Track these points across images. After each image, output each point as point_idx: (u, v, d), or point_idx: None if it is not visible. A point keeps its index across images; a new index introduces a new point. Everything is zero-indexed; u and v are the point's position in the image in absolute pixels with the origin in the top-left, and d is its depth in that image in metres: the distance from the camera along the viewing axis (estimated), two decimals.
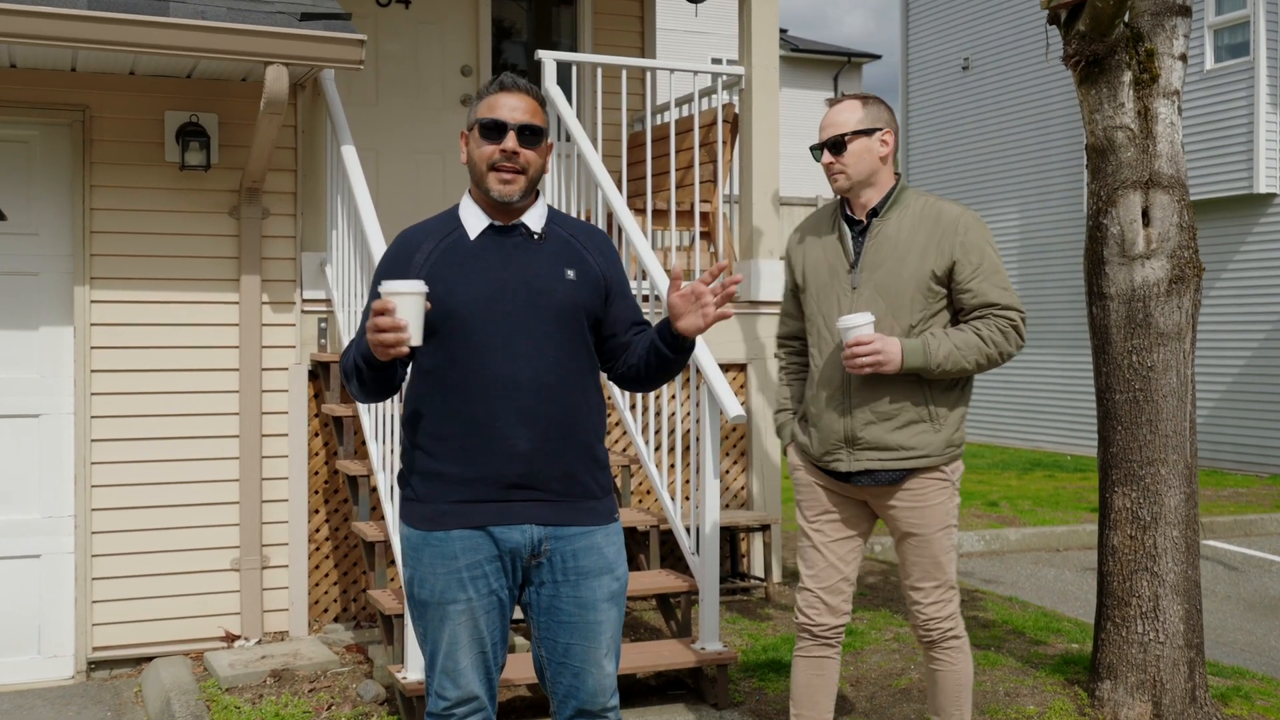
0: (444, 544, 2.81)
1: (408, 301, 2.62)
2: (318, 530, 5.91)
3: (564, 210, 5.52)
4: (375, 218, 5.13)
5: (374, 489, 5.37)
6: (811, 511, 3.74)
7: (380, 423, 5.14)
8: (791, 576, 6.89)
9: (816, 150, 3.62)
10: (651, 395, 5.72)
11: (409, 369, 2.94)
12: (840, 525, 3.70)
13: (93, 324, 5.51)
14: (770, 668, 5.19)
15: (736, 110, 6.75)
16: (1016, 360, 16.00)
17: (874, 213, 3.61)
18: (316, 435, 5.90)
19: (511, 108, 2.84)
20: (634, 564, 5.46)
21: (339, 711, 4.68)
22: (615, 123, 7.48)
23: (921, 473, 3.58)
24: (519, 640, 5.18)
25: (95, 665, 5.54)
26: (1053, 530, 9.26)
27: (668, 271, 6.35)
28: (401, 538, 2.93)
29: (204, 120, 5.61)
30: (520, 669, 4.48)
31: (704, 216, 6.83)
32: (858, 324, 3.43)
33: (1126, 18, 4.58)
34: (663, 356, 2.88)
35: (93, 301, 5.51)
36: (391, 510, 4.94)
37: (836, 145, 3.58)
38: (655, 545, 5.62)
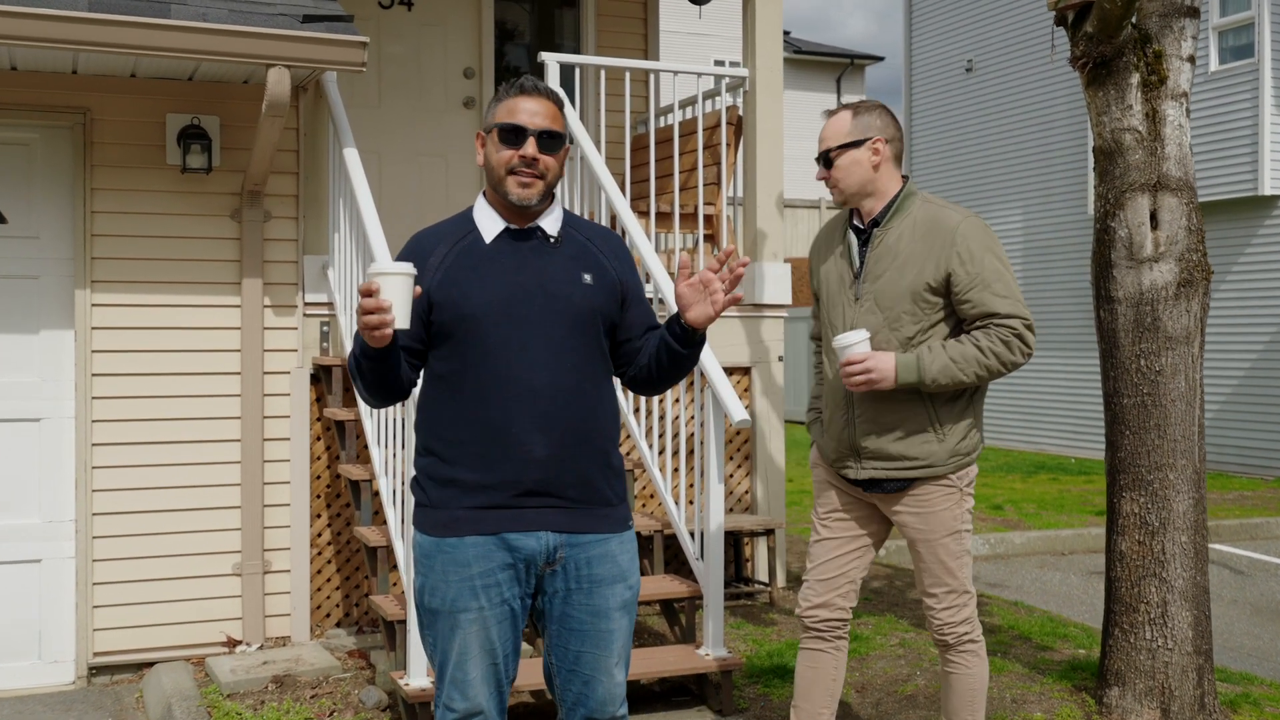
0: (457, 550, 2.77)
1: (392, 282, 2.58)
2: (320, 535, 5.88)
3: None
4: (377, 220, 5.10)
5: (376, 493, 5.34)
6: (823, 509, 3.79)
7: (383, 427, 5.11)
8: (796, 581, 6.86)
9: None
10: (655, 399, 5.69)
11: (420, 374, 2.90)
12: (849, 525, 3.74)
13: (93, 327, 5.48)
14: (775, 673, 5.15)
15: (740, 112, 6.72)
16: None
17: (875, 222, 3.60)
18: (319, 439, 5.87)
19: (531, 112, 2.80)
20: None
21: (341, 718, 4.65)
22: (619, 125, 7.45)
23: (928, 480, 3.58)
24: (524, 646, 5.15)
25: (96, 670, 5.51)
26: (1058, 534, 9.22)
27: (671, 275, 6.32)
28: (414, 545, 2.89)
29: (205, 123, 5.59)
30: (525, 675, 4.45)
31: (708, 219, 6.79)
32: (850, 343, 3.47)
33: (1134, 19, 4.55)
34: (673, 352, 2.84)
35: (93, 305, 5.48)
36: (394, 515, 4.91)
37: (827, 160, 3.61)
38: (659, 550, 5.59)
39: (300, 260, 5.81)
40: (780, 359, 6.64)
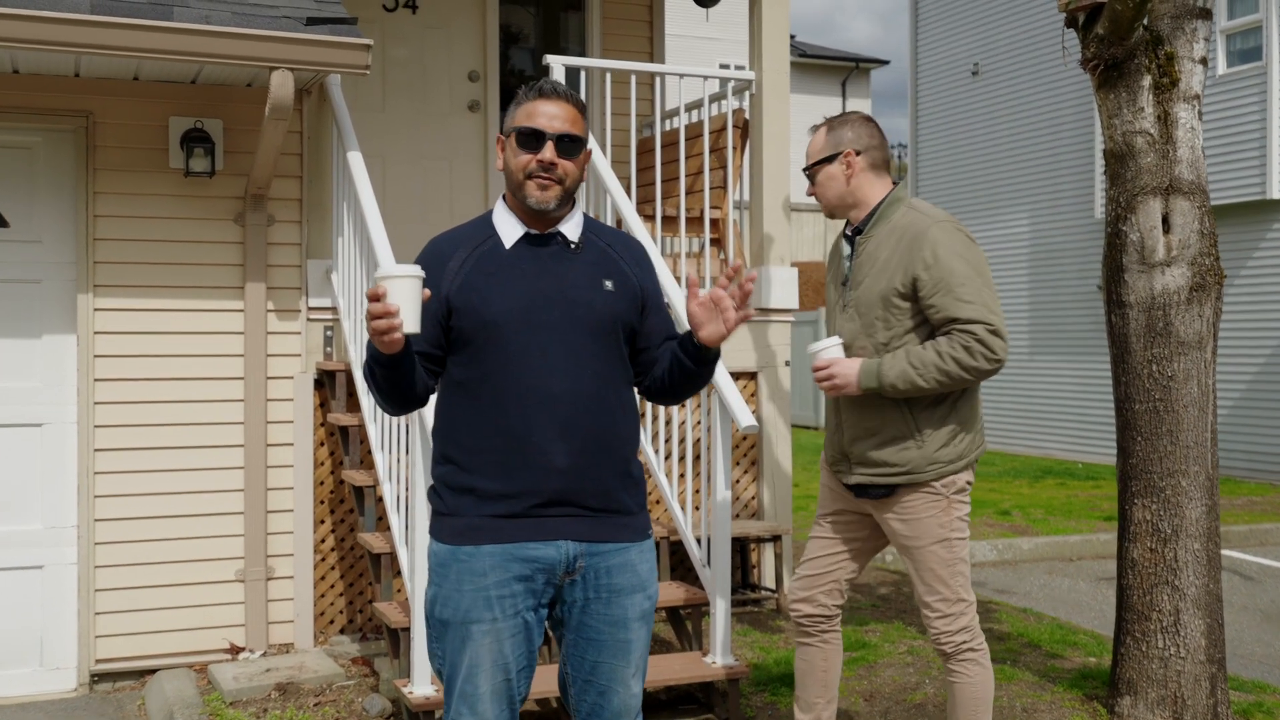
0: (472, 559, 2.72)
1: (400, 285, 2.52)
2: (323, 541, 5.84)
3: None
4: (382, 224, 5.07)
5: (380, 499, 5.30)
6: (822, 509, 3.89)
7: (386, 432, 5.07)
8: None
9: None
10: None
11: (438, 380, 2.85)
12: (843, 527, 3.81)
13: (96, 332, 5.44)
14: (782, 681, 5.10)
15: (746, 115, 6.67)
16: (1026, 367, 15.91)
17: (858, 230, 3.68)
18: (322, 445, 5.83)
19: (550, 116, 2.76)
20: None
21: None
22: (624, 128, 7.41)
23: (912, 487, 3.59)
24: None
25: (98, 678, 5.47)
26: (1066, 540, 9.16)
27: (677, 278, 6.27)
28: (429, 554, 2.84)
29: (209, 126, 5.55)
30: (534, 683, 4.40)
31: (714, 223, 6.75)
32: (818, 349, 3.61)
33: (1146, 20, 4.50)
34: (685, 369, 2.82)
35: (96, 309, 5.45)
36: (397, 521, 4.87)
37: (809, 176, 3.74)
38: (665, 557, 5.54)
39: (304, 264, 5.78)
40: (787, 363, 6.59)
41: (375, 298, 2.50)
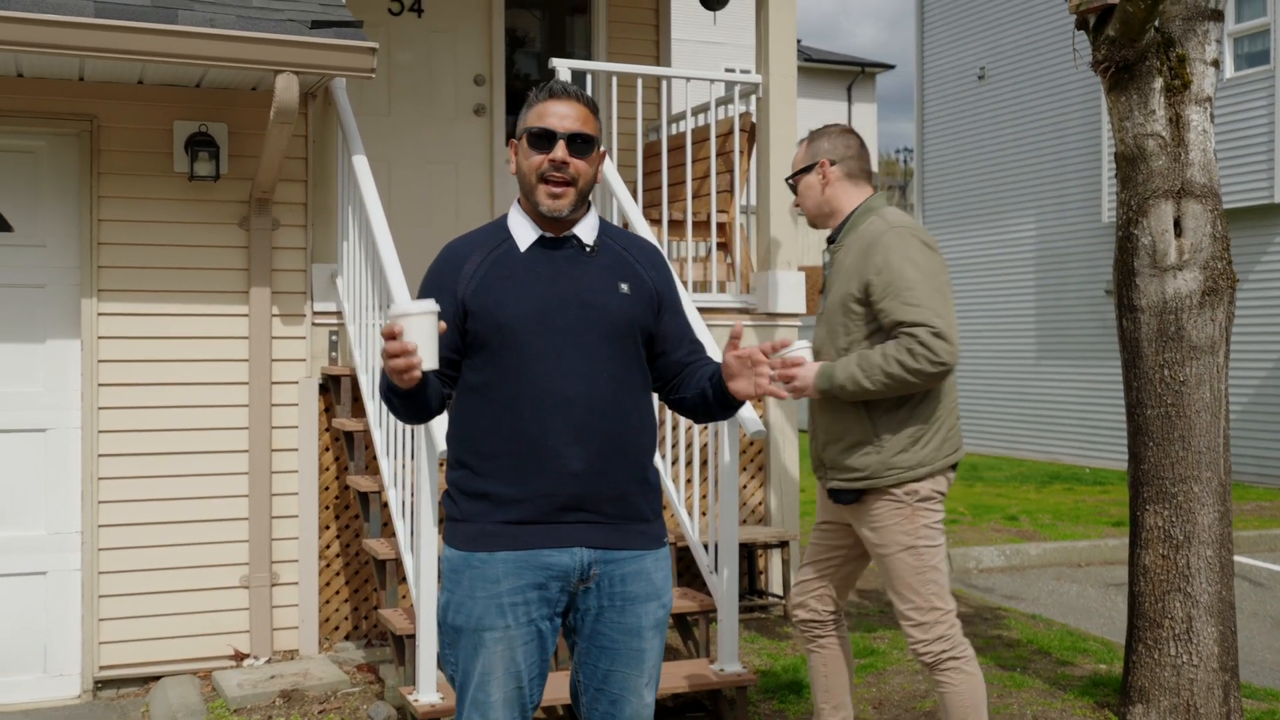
0: (486, 566, 2.69)
1: (416, 323, 2.48)
2: (328, 547, 5.80)
3: None
4: (387, 228, 5.04)
5: (385, 505, 5.27)
6: (818, 516, 3.97)
7: (392, 438, 5.04)
8: None
9: None
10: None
11: (454, 386, 2.82)
12: (829, 534, 3.89)
13: (100, 337, 5.42)
14: (790, 689, 5.06)
15: (754, 119, 6.64)
16: (1033, 371, 15.86)
17: (832, 239, 3.79)
18: (327, 450, 5.80)
19: (561, 115, 2.73)
20: None
21: None
22: (630, 132, 7.38)
23: (876, 493, 3.63)
24: None
25: (102, 684, 5.44)
26: (1074, 545, 9.11)
27: (684, 282, 6.24)
28: (443, 560, 2.80)
29: (213, 130, 5.53)
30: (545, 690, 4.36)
31: (721, 227, 6.72)
32: (787, 351, 3.64)
33: (1157, 22, 4.47)
34: (709, 405, 2.82)
35: (100, 314, 5.42)
36: (403, 527, 4.84)
37: (791, 187, 3.87)
38: (672, 563, 5.50)
39: (309, 269, 5.75)
40: None
41: (391, 336, 2.47)
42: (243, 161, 5.61)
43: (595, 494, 2.69)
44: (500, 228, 2.83)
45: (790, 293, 6.50)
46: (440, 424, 4.18)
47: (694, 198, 6.77)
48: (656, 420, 2.91)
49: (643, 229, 5.48)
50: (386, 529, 5.46)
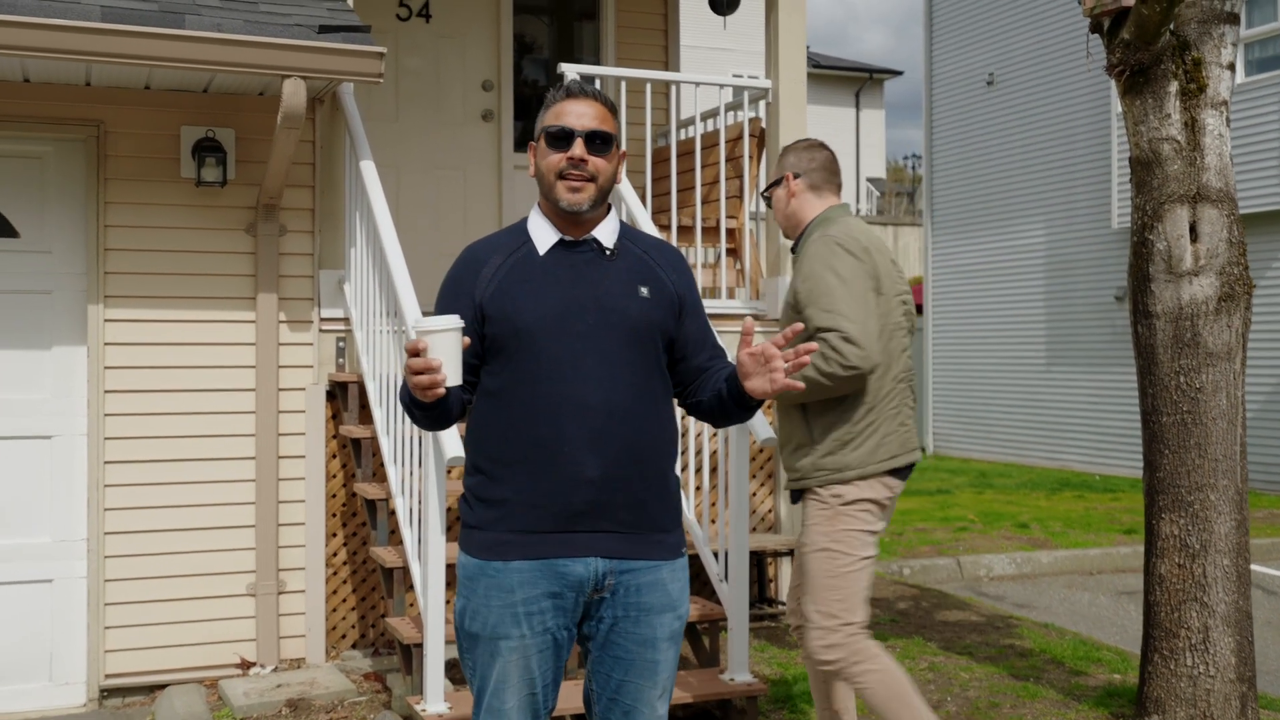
0: (501, 575, 2.65)
1: (441, 340, 2.46)
2: (335, 554, 5.77)
3: None
4: (395, 234, 5.01)
5: (392, 513, 5.23)
6: None
7: (399, 445, 5.00)
8: None
9: None
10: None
11: (474, 392, 2.79)
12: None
13: (106, 343, 5.39)
14: (801, 698, 5.02)
15: (763, 124, 6.61)
16: (1042, 378, 15.79)
17: (794, 249, 3.93)
18: (334, 457, 5.76)
19: (579, 114, 2.70)
20: None
21: None
22: (639, 138, 7.35)
23: (809, 494, 3.75)
24: None
25: (107, 693, 5.41)
26: (1085, 553, 9.05)
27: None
28: (458, 566, 2.78)
29: (220, 135, 5.50)
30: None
31: (730, 233, 6.68)
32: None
33: (1172, 25, 4.42)
34: (726, 407, 2.77)
35: (106, 320, 5.39)
36: (410, 535, 4.80)
37: (766, 201, 4.06)
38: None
39: (316, 275, 5.72)
40: None
41: (415, 352, 2.45)
42: (250, 167, 5.59)
43: (612, 503, 2.65)
44: (520, 231, 2.80)
45: None
46: (449, 432, 4.14)
47: (703, 203, 6.73)
48: (678, 427, 2.87)
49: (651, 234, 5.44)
50: (394, 537, 5.42)
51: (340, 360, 5.77)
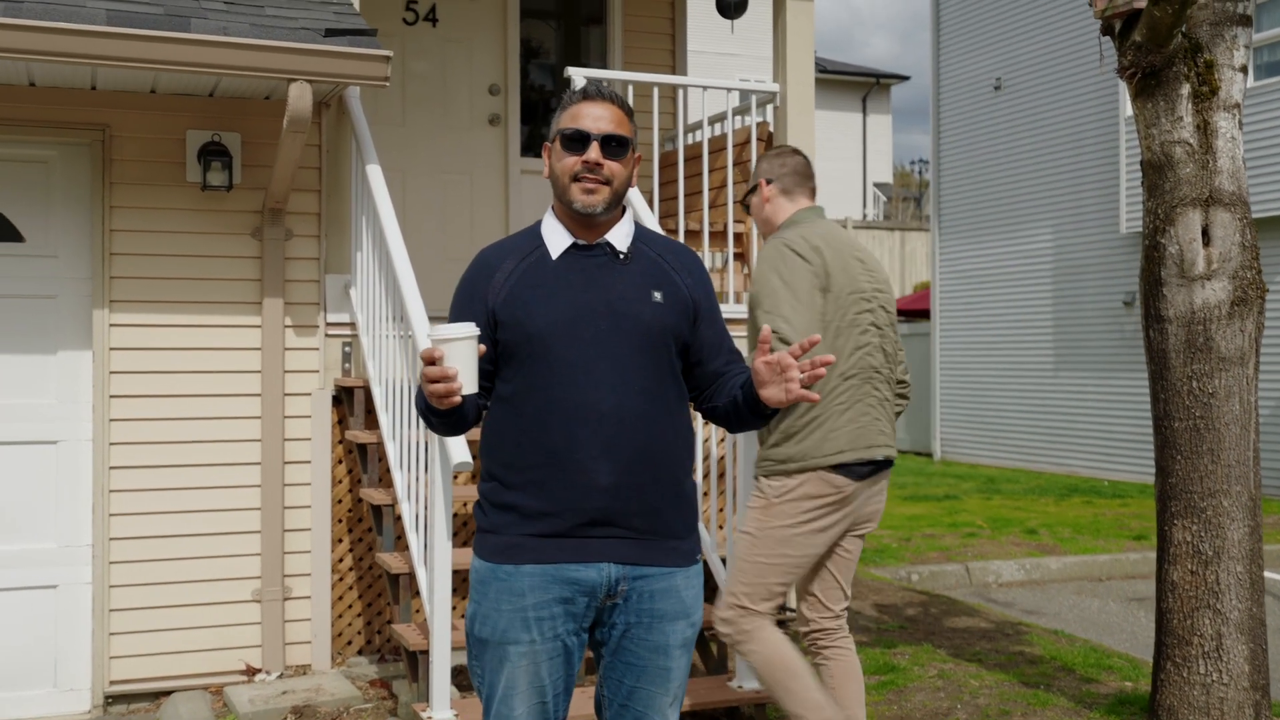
0: (511, 579, 2.63)
1: (457, 348, 2.44)
2: (341, 560, 5.74)
3: None
4: (401, 239, 4.99)
5: (398, 518, 5.20)
6: None
7: (405, 450, 4.97)
8: None
9: None
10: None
11: (489, 397, 2.77)
12: None
13: (112, 348, 5.37)
14: None
15: (771, 128, 6.58)
16: (1050, 383, 15.74)
17: None
18: (340, 462, 5.74)
19: (595, 117, 2.67)
20: None
21: None
22: (646, 142, 7.32)
23: (755, 480, 3.91)
24: None
25: (112, 699, 5.38)
26: (1095, 559, 9.00)
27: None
28: (471, 570, 2.76)
29: (226, 139, 5.49)
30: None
31: (738, 237, 6.66)
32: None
33: (1184, 27, 4.39)
34: (741, 413, 2.74)
35: (112, 325, 5.37)
36: (416, 540, 4.78)
37: (745, 207, 4.22)
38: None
39: (322, 279, 5.70)
40: None
41: (431, 360, 2.43)
42: (256, 171, 5.57)
43: (625, 509, 2.62)
44: (534, 235, 2.78)
45: None
46: (456, 438, 4.11)
47: (710, 208, 6.70)
48: (693, 432, 2.84)
49: None
50: (400, 542, 5.39)
51: (346, 365, 5.75)
